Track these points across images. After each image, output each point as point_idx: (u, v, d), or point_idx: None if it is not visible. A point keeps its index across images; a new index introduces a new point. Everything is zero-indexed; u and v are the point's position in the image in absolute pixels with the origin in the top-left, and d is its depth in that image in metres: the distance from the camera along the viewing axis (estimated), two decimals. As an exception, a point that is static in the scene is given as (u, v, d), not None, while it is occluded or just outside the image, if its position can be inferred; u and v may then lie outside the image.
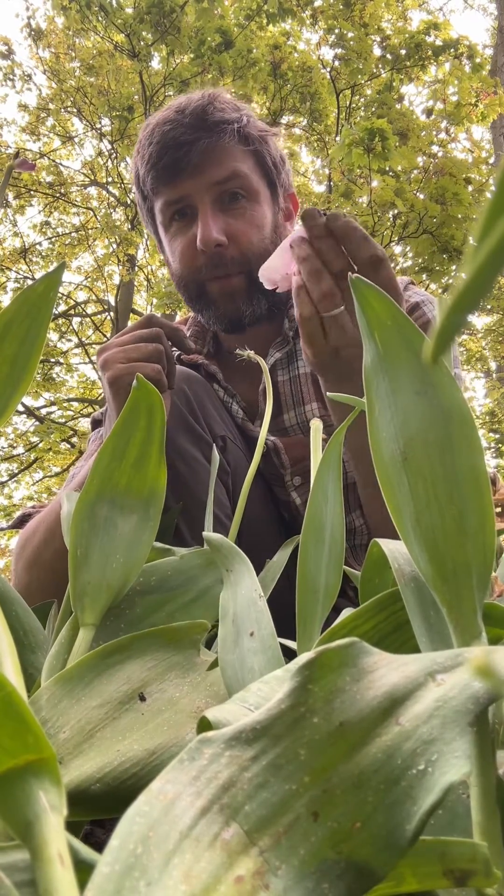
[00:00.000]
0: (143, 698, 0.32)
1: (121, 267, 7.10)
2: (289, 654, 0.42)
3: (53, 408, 7.94)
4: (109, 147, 7.13)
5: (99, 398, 7.56)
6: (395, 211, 5.01)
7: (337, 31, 5.63)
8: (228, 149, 0.91)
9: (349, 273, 0.35)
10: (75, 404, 8.13)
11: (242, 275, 0.93)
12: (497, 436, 7.89)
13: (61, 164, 7.72)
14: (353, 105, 6.23)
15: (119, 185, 7.38)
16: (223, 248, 0.91)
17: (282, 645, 0.42)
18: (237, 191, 0.92)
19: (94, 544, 0.43)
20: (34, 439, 7.52)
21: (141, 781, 0.28)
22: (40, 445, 7.03)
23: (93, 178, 7.82)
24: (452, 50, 5.59)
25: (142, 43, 5.44)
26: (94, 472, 0.45)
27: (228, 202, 0.93)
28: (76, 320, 8.30)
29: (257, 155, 0.95)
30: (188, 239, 0.93)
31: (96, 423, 1.01)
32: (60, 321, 7.91)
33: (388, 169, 4.89)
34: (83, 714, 0.31)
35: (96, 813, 0.27)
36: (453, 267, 5.15)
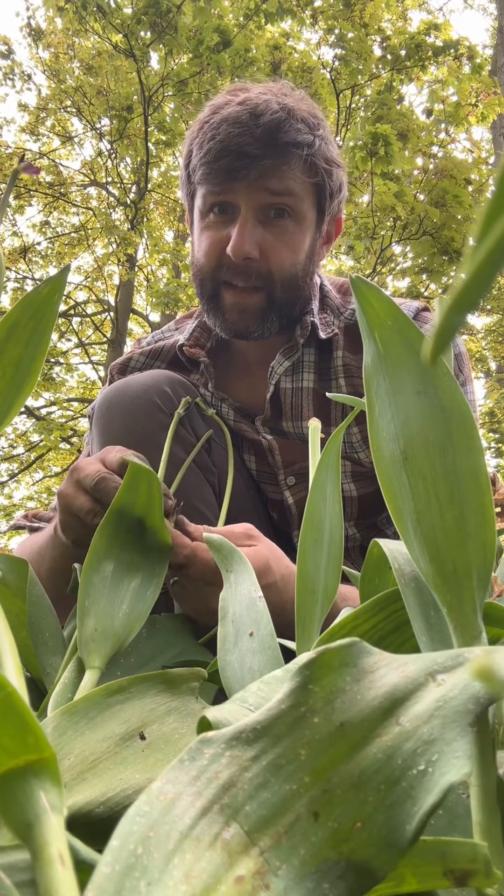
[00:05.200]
0: (143, 737, 0.33)
1: (120, 267, 7.10)
2: (288, 655, 0.42)
3: (53, 408, 7.94)
4: (109, 147, 7.13)
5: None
6: (396, 214, 5.01)
7: (337, 31, 5.63)
8: (290, 171, 0.89)
9: (351, 275, 0.35)
10: (75, 404, 8.13)
11: (262, 293, 0.91)
12: (497, 436, 7.89)
13: (61, 164, 7.71)
14: (354, 105, 6.22)
15: (119, 185, 7.37)
16: (251, 260, 0.89)
17: (281, 645, 0.42)
18: (284, 208, 0.91)
19: (101, 595, 0.48)
20: (34, 439, 7.52)
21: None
22: (41, 444, 7.03)
23: (92, 178, 7.82)
24: (452, 51, 5.59)
25: (140, 43, 5.43)
26: (101, 531, 0.51)
27: (273, 216, 0.91)
28: (76, 320, 8.30)
29: (317, 185, 0.93)
30: (221, 237, 0.92)
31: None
32: (60, 321, 7.89)
33: (389, 172, 4.88)
34: (86, 746, 0.32)
35: (99, 835, 0.27)
36: (453, 269, 5.15)
